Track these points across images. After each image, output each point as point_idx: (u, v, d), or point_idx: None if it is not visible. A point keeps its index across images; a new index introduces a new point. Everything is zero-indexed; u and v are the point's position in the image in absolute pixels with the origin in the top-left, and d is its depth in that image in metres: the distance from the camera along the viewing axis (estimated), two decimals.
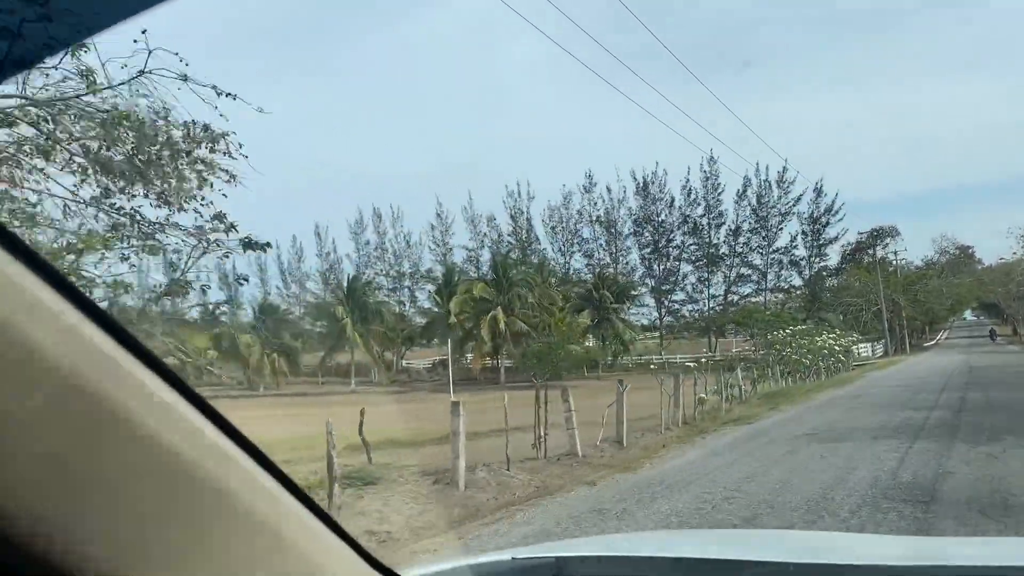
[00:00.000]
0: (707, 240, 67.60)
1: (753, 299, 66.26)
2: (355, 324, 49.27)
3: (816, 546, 2.26)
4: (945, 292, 59.56)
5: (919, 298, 58.46)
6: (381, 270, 70.28)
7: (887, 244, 69.19)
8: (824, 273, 64.68)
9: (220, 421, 0.79)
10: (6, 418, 0.57)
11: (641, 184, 68.30)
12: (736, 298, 66.71)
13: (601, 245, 71.30)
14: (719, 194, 66.56)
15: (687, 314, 69.70)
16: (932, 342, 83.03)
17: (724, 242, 67.56)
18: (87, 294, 0.73)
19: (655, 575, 1.74)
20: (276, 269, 74.10)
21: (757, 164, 64.28)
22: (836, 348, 39.90)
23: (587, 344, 49.70)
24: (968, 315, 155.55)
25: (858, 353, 51.89)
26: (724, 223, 67.15)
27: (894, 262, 67.65)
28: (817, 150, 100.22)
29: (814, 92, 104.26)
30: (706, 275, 67.93)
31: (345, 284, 52.59)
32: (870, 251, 70.19)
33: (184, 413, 0.74)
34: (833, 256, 66.82)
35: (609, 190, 69.23)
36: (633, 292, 55.22)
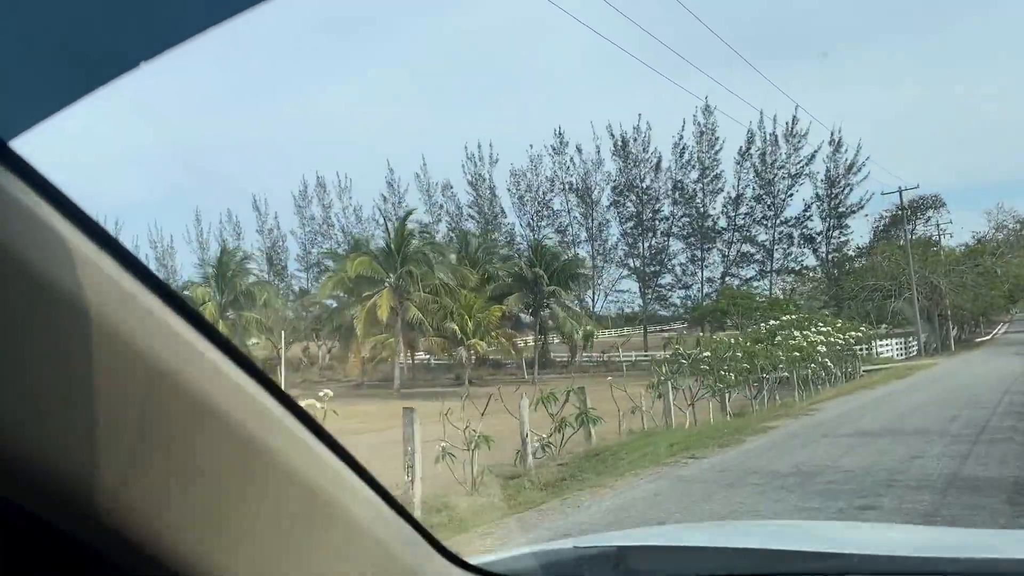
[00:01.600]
0: (701, 210, 55.14)
1: (756, 282, 53.71)
2: (222, 310, 38.67)
3: (879, 538, 2.20)
4: (1001, 274, 46.09)
5: (967, 282, 45.16)
6: (329, 248, 59.71)
7: (928, 217, 55.97)
8: (845, 251, 51.58)
9: (301, 414, 0.80)
10: (104, 413, 0.59)
11: (620, 142, 56.07)
12: (737, 282, 54.17)
13: (576, 218, 59.47)
14: (716, 153, 54.11)
15: (678, 301, 57.43)
16: (987, 337, 68.88)
17: (722, 213, 55.07)
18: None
19: (717, 565, 1.69)
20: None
21: (761, 114, 51.48)
22: (827, 347, 27.56)
23: (513, 338, 38.13)
24: None
25: (877, 353, 39.30)
26: (722, 189, 54.62)
27: (938, 239, 54.37)
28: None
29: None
30: (700, 253, 55.52)
31: (216, 261, 41.90)
32: (909, 225, 57.06)
33: (271, 409, 0.75)
34: (858, 230, 53.82)
35: (580, 150, 57.07)
36: (581, 271, 43.00)
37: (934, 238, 54.41)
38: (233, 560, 0.70)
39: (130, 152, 76.55)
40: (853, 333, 29.06)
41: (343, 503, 0.84)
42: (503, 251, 45.65)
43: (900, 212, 56.16)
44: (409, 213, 36.64)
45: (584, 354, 45.47)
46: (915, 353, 41.57)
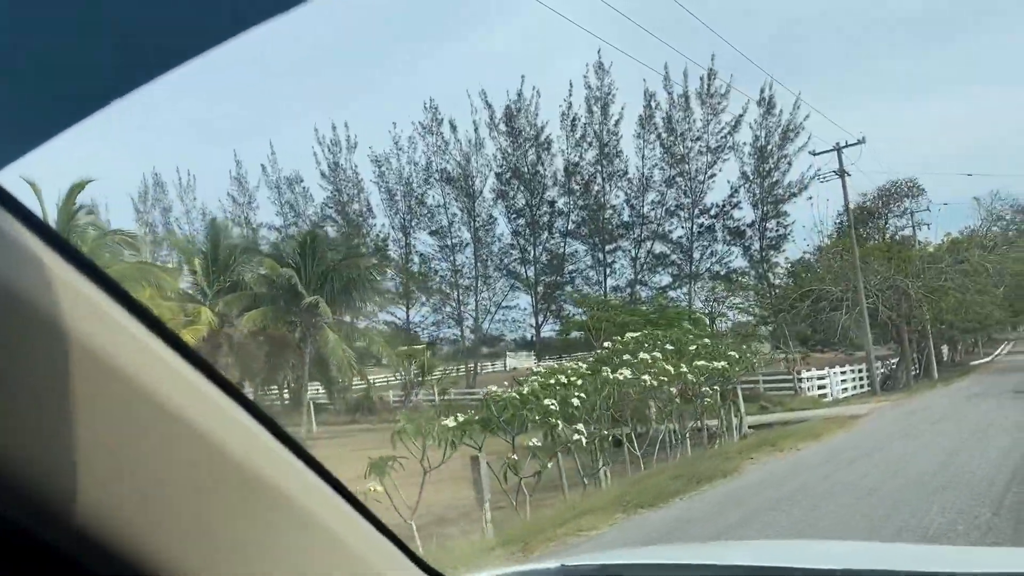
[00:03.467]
0: (600, 201, 42.37)
1: (674, 291, 40.77)
2: None
3: (871, 554, 2.13)
4: (994, 273, 33.10)
5: (947, 285, 32.20)
6: (158, 257, 47.00)
7: (904, 209, 43.19)
8: (783, 248, 38.48)
9: (270, 423, 0.80)
10: (75, 420, 0.60)
11: (502, 116, 43.52)
12: (648, 292, 41.28)
13: (456, 215, 46.75)
14: (615, 124, 41.39)
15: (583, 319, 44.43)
16: (985, 359, 55.50)
17: (626, 203, 42.26)
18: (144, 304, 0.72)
19: None
20: None
21: (666, 67, 38.72)
22: (661, 381, 14.89)
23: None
24: None
25: (805, 389, 26.43)
26: (626, 172, 41.88)
27: (913, 233, 41.57)
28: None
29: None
30: (602, 256, 42.67)
31: None
32: (882, 219, 44.28)
33: (239, 417, 0.77)
34: (801, 219, 41.10)
35: (454, 128, 44.48)
36: (376, 278, 30.03)
37: (916, 235, 41.67)
38: (206, 570, 0.70)
39: None
40: (719, 364, 16.09)
41: (321, 516, 0.84)
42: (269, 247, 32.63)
43: (871, 205, 43.64)
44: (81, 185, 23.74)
45: (421, 392, 32.81)
46: (866, 388, 28.54)
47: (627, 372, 13.86)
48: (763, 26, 72.32)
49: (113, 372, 0.62)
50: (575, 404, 10.86)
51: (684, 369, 15.10)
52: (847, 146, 27.17)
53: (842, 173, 27.14)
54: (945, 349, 56.03)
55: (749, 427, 18.35)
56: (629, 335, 18.56)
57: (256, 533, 0.76)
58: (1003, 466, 9.35)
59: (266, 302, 26.48)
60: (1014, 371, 34.71)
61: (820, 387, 28.03)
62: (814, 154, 29.07)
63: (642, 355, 15.38)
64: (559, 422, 10.49)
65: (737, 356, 17.06)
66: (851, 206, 43.44)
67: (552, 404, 10.31)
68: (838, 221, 42.24)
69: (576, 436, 10.39)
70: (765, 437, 15.02)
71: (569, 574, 1.66)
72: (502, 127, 43.43)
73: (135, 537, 0.64)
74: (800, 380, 26.65)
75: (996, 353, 61.97)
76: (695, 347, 17.11)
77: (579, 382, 11.82)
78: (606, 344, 18.78)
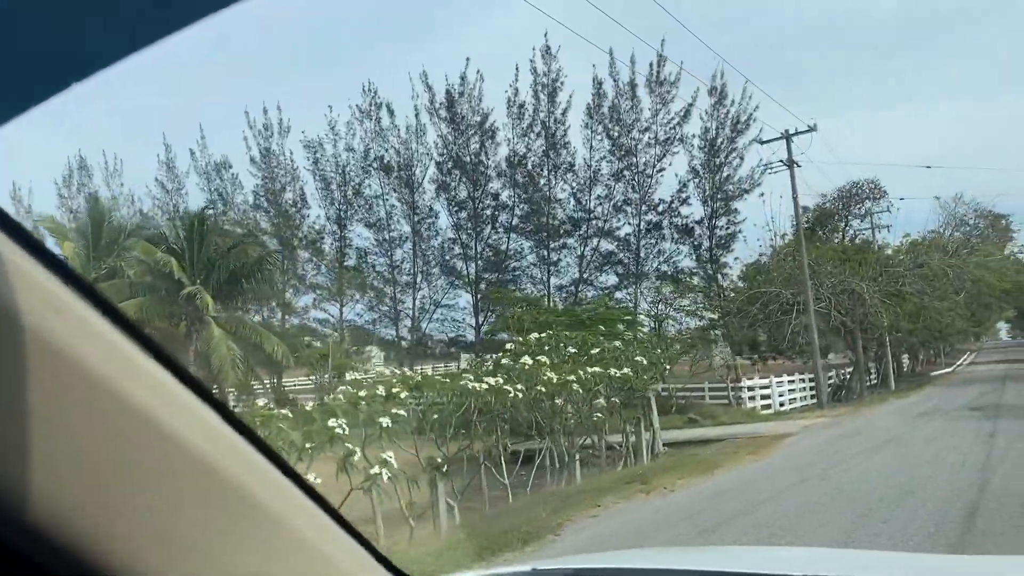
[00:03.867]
0: (546, 195, 39.73)
1: (621, 292, 38.27)
2: None
3: (837, 561, 2.15)
4: (953, 279, 30.88)
5: (905, 290, 29.98)
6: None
7: (866, 211, 41.18)
8: (733, 246, 36.00)
9: (236, 422, 0.80)
10: (32, 416, 0.59)
11: (443, 101, 40.72)
12: (595, 292, 38.69)
13: (393, 206, 43.86)
14: (563, 113, 38.80)
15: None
16: (947, 370, 53.78)
17: (572, 196, 39.66)
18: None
19: None
20: None
21: (611, 53, 36.12)
22: (558, 390, 12.16)
23: None
24: (1003, 332, 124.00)
25: (745, 402, 23.99)
26: (573, 164, 39.27)
27: (872, 236, 39.56)
28: None
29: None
30: (545, 253, 40.03)
31: None
32: (842, 221, 42.29)
33: (202, 414, 0.75)
34: (754, 216, 38.81)
35: (392, 112, 41.61)
36: (270, 269, 26.95)
37: (876, 237, 39.62)
38: (167, 569, 0.69)
39: None
40: (620, 371, 13.43)
41: (288, 517, 0.83)
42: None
43: (829, 207, 41.59)
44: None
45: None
46: (811, 401, 26.13)
47: (493, 380, 11.18)
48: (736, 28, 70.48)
49: (72, 365, 0.60)
50: (385, 424, 8.10)
51: (571, 378, 12.44)
52: (796, 134, 24.79)
53: (791, 163, 24.73)
54: (906, 358, 54.27)
55: (665, 445, 15.78)
56: (532, 336, 15.93)
57: (221, 534, 0.74)
58: (936, 540, 6.54)
59: (144, 291, 23.46)
60: (973, 383, 32.58)
61: (765, 397, 25.65)
62: (761, 142, 26.72)
63: (524, 359, 12.72)
64: (357, 447, 7.76)
65: (646, 362, 14.41)
66: (810, 206, 41.53)
67: (340, 425, 7.57)
68: (804, 221, 40.13)
69: (378, 468, 7.64)
70: (663, 465, 12.40)
71: None
72: (443, 113, 40.66)
73: (94, 536, 0.62)
74: (740, 390, 24.17)
75: (958, 363, 60.33)
76: (599, 350, 14.49)
77: (404, 395, 9.07)
78: (508, 346, 16.14)
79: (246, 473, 0.77)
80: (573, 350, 14.69)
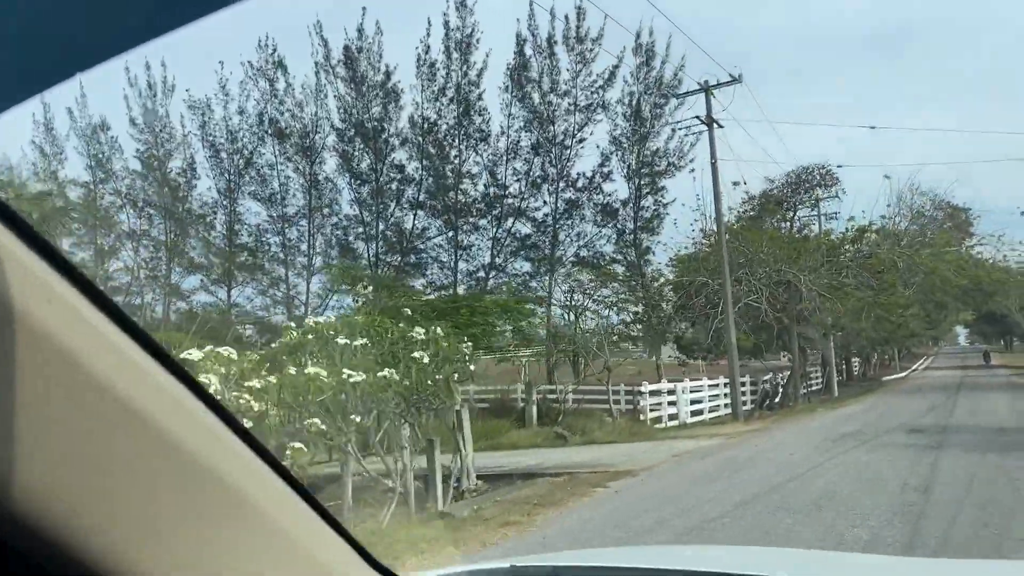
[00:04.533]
0: (458, 169, 34.94)
1: (538, 280, 33.63)
2: None
3: (819, 562, 2.13)
4: (902, 270, 26.71)
5: (848, 283, 25.73)
6: None
7: (816, 198, 37.09)
8: (655, 230, 31.37)
9: (233, 422, 0.79)
10: (23, 410, 0.58)
11: (341, 57, 35.71)
12: (507, 280, 34.03)
13: (289, 177, 38.78)
14: (479, 75, 34.02)
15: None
16: (901, 374, 50.09)
17: (488, 170, 34.88)
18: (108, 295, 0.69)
19: None
20: None
21: (530, 4, 31.43)
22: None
23: None
24: (962, 338, 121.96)
25: (641, 410, 19.49)
26: (489, 134, 34.49)
27: (818, 225, 35.43)
28: None
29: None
30: (455, 234, 35.25)
31: None
32: (789, 210, 38.01)
33: (197, 413, 0.75)
34: (684, 194, 34.63)
35: (284, 68, 36.52)
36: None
37: (823, 225, 35.46)
38: (157, 565, 0.68)
39: None
40: (359, 375, 8.73)
41: (277, 515, 0.83)
42: None
43: (776, 192, 37.45)
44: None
45: None
46: (728, 412, 21.68)
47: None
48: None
49: (62, 355, 0.59)
50: None
51: (257, 384, 7.72)
52: (718, 85, 20.23)
53: (710, 121, 20.19)
54: (857, 362, 50.51)
55: (479, 478, 11.10)
56: (294, 332, 11.13)
57: (210, 531, 0.73)
58: None
59: None
60: (924, 391, 28.50)
61: (689, 403, 21.25)
62: (677, 96, 22.10)
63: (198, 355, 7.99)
64: None
65: (428, 360, 9.70)
66: (757, 193, 37.33)
67: None
68: (742, 209, 35.85)
69: None
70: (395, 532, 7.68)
71: (519, 574, 1.63)
72: (341, 71, 35.66)
73: (84, 534, 0.61)
74: (642, 396, 19.63)
75: (913, 368, 56.90)
76: (363, 343, 9.81)
77: None
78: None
79: (235, 467, 0.75)
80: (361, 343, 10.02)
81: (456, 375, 11.44)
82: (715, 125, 20.15)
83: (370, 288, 21.62)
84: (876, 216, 31.89)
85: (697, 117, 20.66)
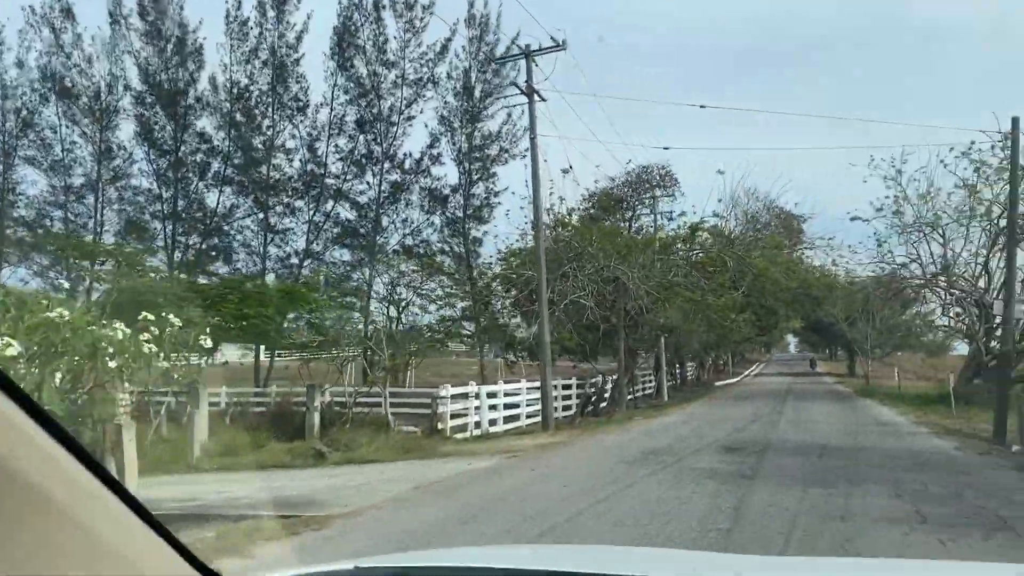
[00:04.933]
0: (268, 142, 30.97)
1: (361, 271, 30.30)
2: None
3: (673, 561, 2.09)
4: (732, 270, 25.75)
5: (678, 282, 24.33)
6: None
7: (652, 199, 35.99)
8: (484, 218, 29.00)
9: (41, 418, 0.75)
10: None
11: (136, 5, 30.86)
12: (326, 269, 30.47)
13: (75, 142, 33.26)
14: (297, 38, 30.27)
15: None
16: (733, 380, 50.73)
17: (307, 146, 31.18)
18: None
19: None
20: None
21: None
22: None
23: None
24: (792, 346, 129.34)
25: (439, 417, 16.86)
26: (306, 106, 30.78)
27: (654, 226, 34.29)
28: None
29: None
30: (264, 215, 31.29)
31: None
32: (628, 210, 36.73)
33: (16, 419, 0.71)
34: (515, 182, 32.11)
35: (71, 15, 31.21)
36: None
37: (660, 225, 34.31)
38: None
39: None
40: None
41: (86, 512, 0.79)
42: None
43: (616, 192, 36.14)
44: None
45: None
46: (548, 420, 19.40)
47: None
48: None
49: None
50: None
51: None
52: (540, 52, 17.89)
53: (530, 91, 17.82)
54: (692, 366, 50.63)
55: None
56: None
57: (5, 529, 0.69)
58: None
59: None
60: (752, 398, 27.80)
61: (504, 407, 18.76)
62: (495, 60, 19.60)
63: None
64: None
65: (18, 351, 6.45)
66: (597, 191, 35.82)
67: None
68: (587, 205, 34.08)
69: None
70: None
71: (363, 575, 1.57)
72: (136, 23, 30.84)
73: None
74: (442, 401, 16.90)
75: (745, 374, 58.32)
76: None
77: None
78: None
79: (48, 471, 0.71)
80: None
81: (127, 374, 8.20)
82: (536, 96, 17.75)
83: (107, 264, 17.62)
84: (708, 212, 31.07)
85: (514, 84, 18.26)
